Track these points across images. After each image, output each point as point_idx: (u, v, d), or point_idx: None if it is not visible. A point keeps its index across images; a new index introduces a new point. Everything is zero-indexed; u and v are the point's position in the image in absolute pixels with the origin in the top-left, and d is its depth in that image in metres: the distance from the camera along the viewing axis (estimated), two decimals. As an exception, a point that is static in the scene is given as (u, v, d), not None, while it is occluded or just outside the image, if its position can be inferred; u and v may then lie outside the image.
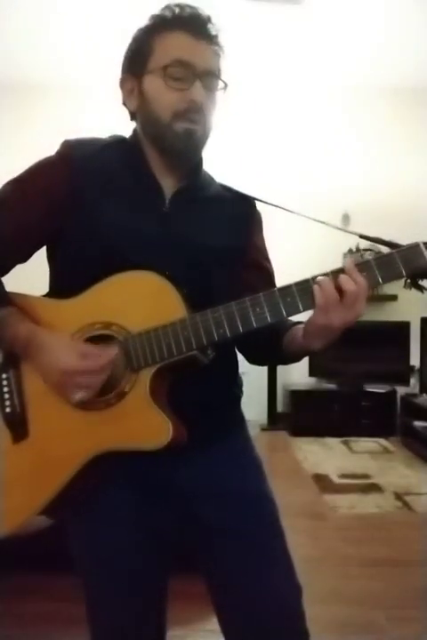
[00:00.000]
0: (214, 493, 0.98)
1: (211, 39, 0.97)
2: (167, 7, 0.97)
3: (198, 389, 0.93)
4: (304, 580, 1.00)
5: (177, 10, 0.96)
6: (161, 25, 0.96)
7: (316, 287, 0.84)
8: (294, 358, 1.02)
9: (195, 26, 0.95)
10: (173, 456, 0.88)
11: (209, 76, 0.96)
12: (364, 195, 4.60)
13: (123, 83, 1.02)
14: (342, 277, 0.84)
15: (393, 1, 3.58)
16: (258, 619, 0.96)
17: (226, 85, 1.00)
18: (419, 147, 4.77)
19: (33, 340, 0.91)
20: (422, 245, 0.82)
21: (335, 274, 0.85)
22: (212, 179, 1.09)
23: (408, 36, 3.97)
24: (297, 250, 4.31)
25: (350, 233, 1.03)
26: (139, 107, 1.00)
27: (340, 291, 0.83)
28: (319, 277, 0.85)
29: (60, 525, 1.02)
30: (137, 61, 0.99)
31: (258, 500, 1.01)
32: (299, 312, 0.87)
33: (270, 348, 1.03)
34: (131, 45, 1.00)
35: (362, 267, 0.84)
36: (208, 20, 0.97)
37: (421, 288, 0.86)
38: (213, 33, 0.97)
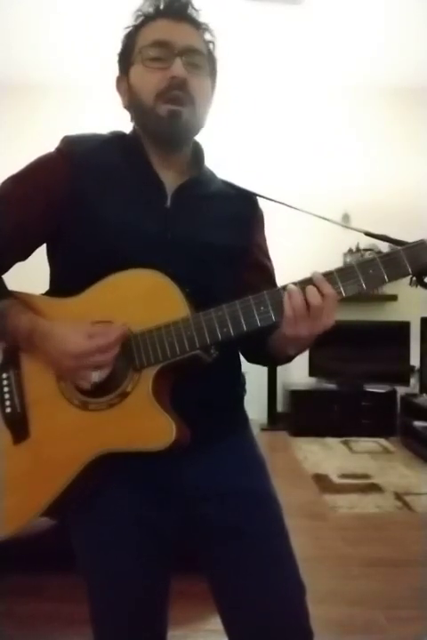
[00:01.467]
0: (217, 493, 0.98)
1: (193, 22, 0.97)
2: (149, 3, 0.98)
3: (201, 389, 0.93)
4: (304, 580, 1.00)
5: (156, 2, 0.97)
6: (143, 20, 0.98)
7: (285, 298, 0.84)
8: (278, 361, 1.03)
9: (173, 10, 0.96)
10: (176, 456, 0.87)
11: (191, 52, 0.95)
12: (364, 195, 4.60)
13: (118, 84, 1.03)
14: (309, 290, 0.83)
15: (393, 1, 3.58)
16: (261, 618, 0.96)
17: (215, 60, 1.00)
18: (419, 147, 4.77)
19: (36, 328, 0.90)
20: None
21: (304, 284, 0.84)
22: (214, 175, 1.08)
23: (408, 36, 3.97)
24: (298, 249, 4.31)
25: (356, 230, 1.02)
26: (130, 101, 1.00)
27: (307, 303, 0.83)
28: (289, 286, 0.84)
29: (61, 525, 1.02)
30: (124, 59, 1.00)
31: (262, 499, 1.01)
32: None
33: (258, 347, 1.02)
34: (120, 47, 1.02)
35: (330, 278, 0.84)
36: (188, 3, 0.97)
37: (426, 285, 0.86)
38: (197, 17, 0.97)
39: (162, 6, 0.97)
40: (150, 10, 0.97)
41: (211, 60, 1.01)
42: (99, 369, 0.87)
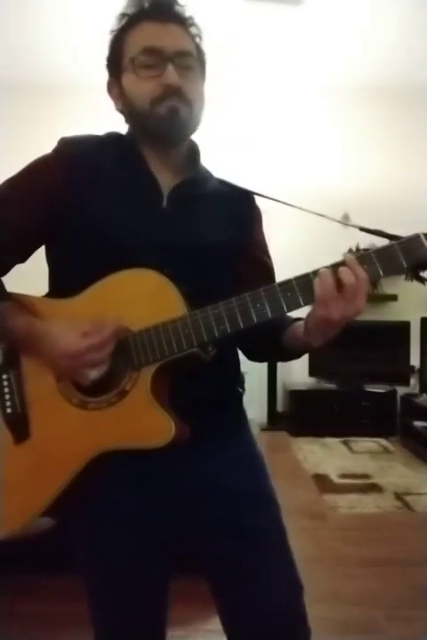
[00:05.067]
0: (216, 491, 0.98)
1: (180, 20, 0.96)
2: (132, 3, 0.97)
3: (200, 387, 0.93)
4: (304, 580, 1.00)
5: (141, 2, 0.96)
6: (128, 22, 0.97)
7: (316, 279, 0.83)
8: (293, 355, 1.02)
9: (159, 11, 0.95)
10: (175, 454, 0.88)
11: (182, 56, 0.95)
12: (364, 195, 4.59)
13: (109, 89, 1.03)
14: (343, 270, 0.82)
15: (392, 2, 3.58)
16: (260, 617, 0.96)
17: (203, 53, 0.99)
18: (418, 147, 4.77)
19: (32, 330, 0.91)
20: (422, 236, 0.82)
21: (336, 267, 0.83)
22: (210, 174, 1.08)
23: (408, 36, 3.96)
24: (297, 250, 4.31)
25: (351, 225, 1.02)
26: (124, 107, 1.00)
27: (340, 284, 0.82)
28: (321, 269, 0.84)
29: (61, 525, 1.02)
30: (114, 64, 1.00)
31: (261, 498, 1.01)
32: (300, 307, 0.86)
33: (270, 344, 1.02)
34: (108, 50, 1.01)
35: (363, 259, 0.83)
36: (173, 2, 0.96)
37: (422, 280, 0.86)
38: (183, 14, 0.96)
39: (147, 8, 0.96)
40: (133, 11, 0.96)
41: (200, 55, 1.00)
42: (95, 367, 0.87)
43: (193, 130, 1.00)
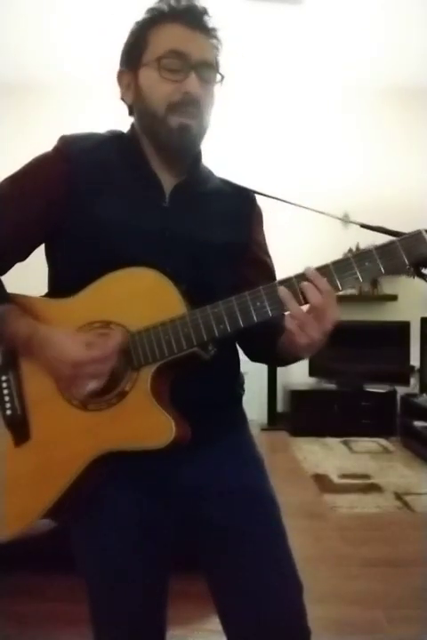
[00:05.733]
0: (216, 492, 0.98)
1: (207, 31, 0.96)
2: (163, 0, 0.96)
3: (201, 387, 0.93)
4: (304, 580, 1.00)
5: (172, 2, 0.95)
6: (157, 18, 0.96)
7: (286, 316, 0.84)
8: (287, 362, 1.03)
9: (190, 17, 0.94)
10: (176, 454, 0.87)
11: (205, 67, 0.95)
12: (364, 195, 4.59)
13: (120, 77, 1.01)
14: (309, 290, 0.82)
15: (393, 1, 3.58)
16: (259, 617, 0.96)
17: (223, 77, 0.98)
18: (419, 147, 4.77)
19: (34, 335, 0.90)
20: (424, 232, 0.81)
21: (298, 279, 0.83)
22: (211, 173, 1.08)
23: (408, 36, 3.96)
24: (298, 249, 4.30)
25: (352, 222, 1.02)
26: (135, 101, 0.99)
27: (306, 301, 0.82)
28: (282, 292, 0.83)
29: (61, 526, 1.02)
30: (133, 55, 0.98)
31: (260, 498, 1.01)
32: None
33: (267, 350, 1.02)
34: (128, 39, 1.00)
35: (325, 271, 0.83)
36: (204, 11, 0.96)
37: (424, 276, 0.85)
38: (210, 25, 0.96)
39: (178, 7, 0.95)
40: (164, 8, 0.95)
41: (218, 69, 0.99)
42: (95, 378, 0.87)
43: (202, 139, 0.99)
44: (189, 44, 0.93)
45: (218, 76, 0.98)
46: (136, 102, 0.99)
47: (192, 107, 0.93)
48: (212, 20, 0.97)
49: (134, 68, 0.98)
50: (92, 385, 0.87)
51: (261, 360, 1.14)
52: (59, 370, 0.89)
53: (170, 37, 0.94)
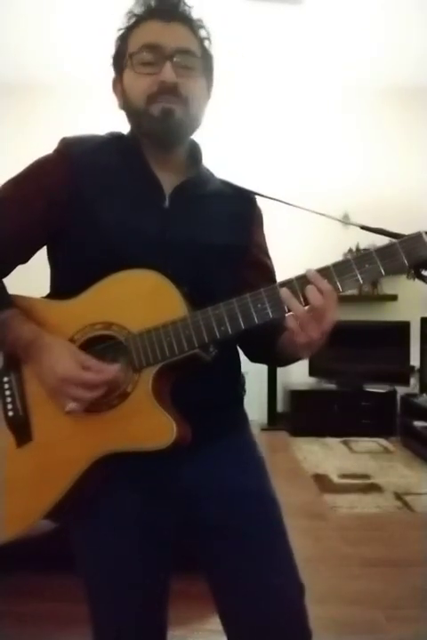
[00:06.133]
0: (217, 492, 0.98)
1: (183, 19, 0.96)
2: (140, 2, 0.98)
3: (202, 388, 0.93)
4: (304, 580, 1.00)
5: (152, 2, 0.97)
6: (135, 20, 0.98)
7: (288, 317, 0.84)
8: (287, 362, 1.03)
9: (163, 10, 0.96)
10: (176, 455, 0.87)
11: (182, 55, 0.95)
12: (364, 195, 4.59)
13: (113, 85, 1.04)
14: (309, 290, 0.82)
15: (393, 1, 3.58)
16: (260, 618, 0.96)
17: (210, 57, 0.99)
18: (419, 147, 4.77)
19: (35, 340, 0.90)
20: (424, 234, 0.81)
21: (300, 281, 0.84)
22: (211, 174, 1.08)
23: (408, 36, 3.97)
24: (298, 250, 4.31)
25: (352, 224, 1.02)
26: (124, 104, 1.01)
27: (307, 302, 0.83)
28: (285, 295, 0.83)
29: (62, 526, 1.02)
30: (117, 61, 1.01)
31: (261, 499, 1.01)
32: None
33: (266, 350, 1.02)
34: (114, 47, 1.02)
35: (326, 273, 0.84)
36: (178, 2, 0.96)
37: (424, 278, 0.85)
38: (188, 13, 0.97)
39: (153, 6, 0.96)
40: (141, 10, 0.97)
41: (205, 57, 1.00)
42: (76, 402, 0.86)
43: (191, 130, 1.00)
44: (162, 36, 0.94)
45: (205, 62, 0.99)
46: (124, 105, 1.00)
47: (171, 94, 0.93)
48: (190, 10, 0.97)
49: (120, 72, 1.00)
50: (72, 406, 0.86)
51: (260, 360, 1.14)
52: (47, 377, 0.89)
53: (143, 34, 0.96)
